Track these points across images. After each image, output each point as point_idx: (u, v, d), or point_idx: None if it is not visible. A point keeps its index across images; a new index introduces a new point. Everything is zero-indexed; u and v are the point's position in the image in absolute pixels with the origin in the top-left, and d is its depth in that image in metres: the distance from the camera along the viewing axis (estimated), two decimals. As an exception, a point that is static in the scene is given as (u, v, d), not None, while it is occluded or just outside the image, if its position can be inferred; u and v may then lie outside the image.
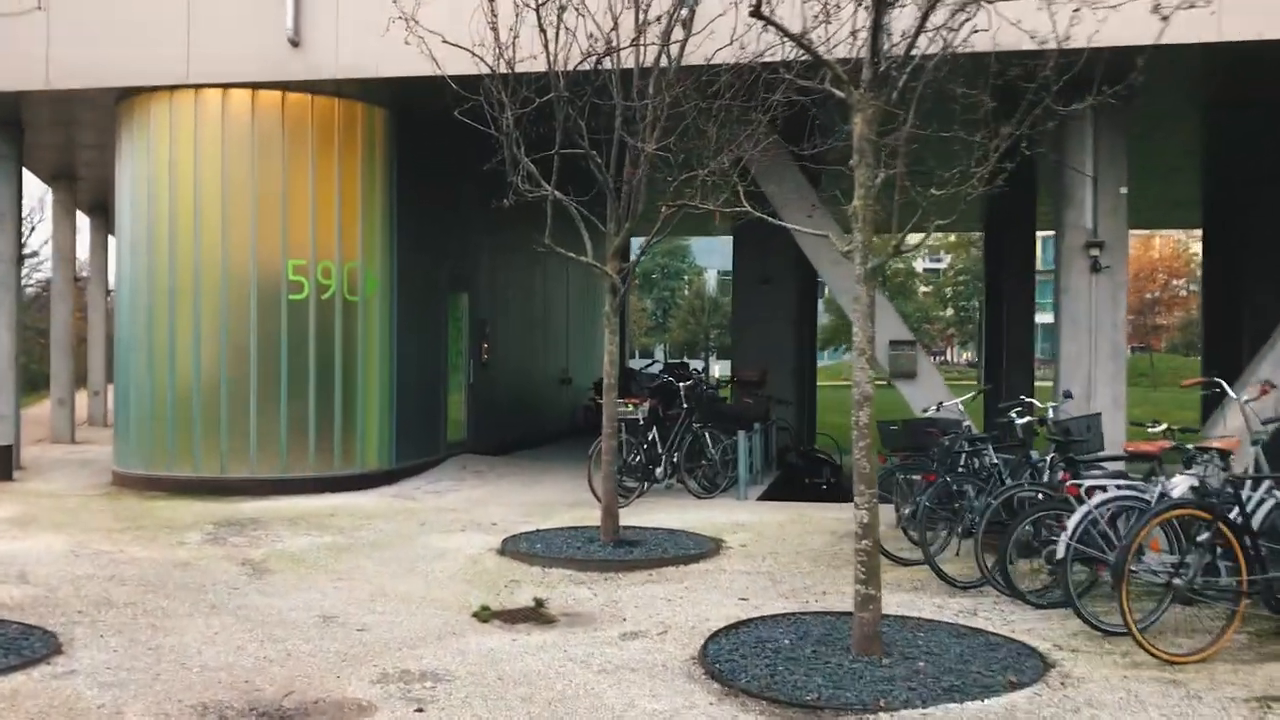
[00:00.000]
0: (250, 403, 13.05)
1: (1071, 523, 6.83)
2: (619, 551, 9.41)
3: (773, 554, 9.58)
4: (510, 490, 13.59)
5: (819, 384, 24.70)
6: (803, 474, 16.29)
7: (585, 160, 9.60)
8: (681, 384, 13.03)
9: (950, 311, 63.12)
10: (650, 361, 19.99)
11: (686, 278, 64.33)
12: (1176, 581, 6.38)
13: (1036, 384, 23.35)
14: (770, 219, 8.03)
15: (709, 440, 13.06)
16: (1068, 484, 7.44)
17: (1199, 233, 72.41)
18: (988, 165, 6.28)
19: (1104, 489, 7.14)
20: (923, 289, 63.28)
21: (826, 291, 40.05)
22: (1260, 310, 19.51)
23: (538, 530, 10.52)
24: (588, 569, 8.95)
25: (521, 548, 9.59)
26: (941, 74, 6.43)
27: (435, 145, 15.28)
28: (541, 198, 9.75)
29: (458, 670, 6.12)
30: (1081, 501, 7.01)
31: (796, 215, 13.06)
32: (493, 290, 17.77)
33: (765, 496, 13.57)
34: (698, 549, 9.60)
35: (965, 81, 6.59)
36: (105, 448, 14.16)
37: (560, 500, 12.74)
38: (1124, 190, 11.90)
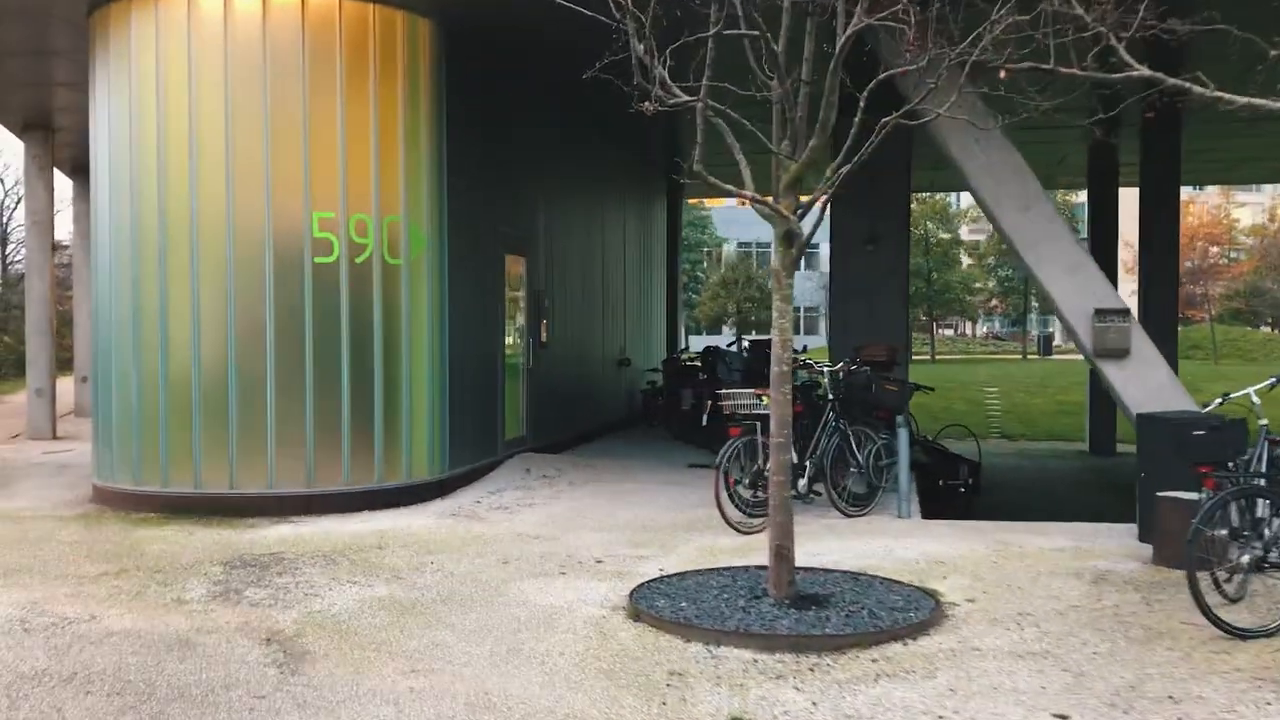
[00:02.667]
0: (267, 397, 10.14)
1: None
2: (806, 616, 6.53)
3: (1024, 616, 6.69)
4: (597, 505, 10.69)
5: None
6: (935, 475, 13.39)
7: (740, 52, 6.70)
8: (827, 367, 10.06)
9: (993, 283, 60.05)
10: (734, 339, 17.00)
11: (708, 249, 61.13)
12: None
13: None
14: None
15: (857, 441, 10.13)
16: None
17: (1243, 196, 68.88)
18: None
19: None
20: (965, 260, 60.22)
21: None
22: None
23: (666, 575, 7.62)
24: (775, 648, 6.06)
25: (661, 608, 6.69)
26: None
27: (488, 69, 12.32)
28: (682, 108, 6.82)
29: None
30: None
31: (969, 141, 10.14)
32: (550, 255, 14.83)
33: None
34: (914, 609, 6.71)
35: None
36: (89, 446, 11.33)
37: (668, 520, 9.86)
38: None
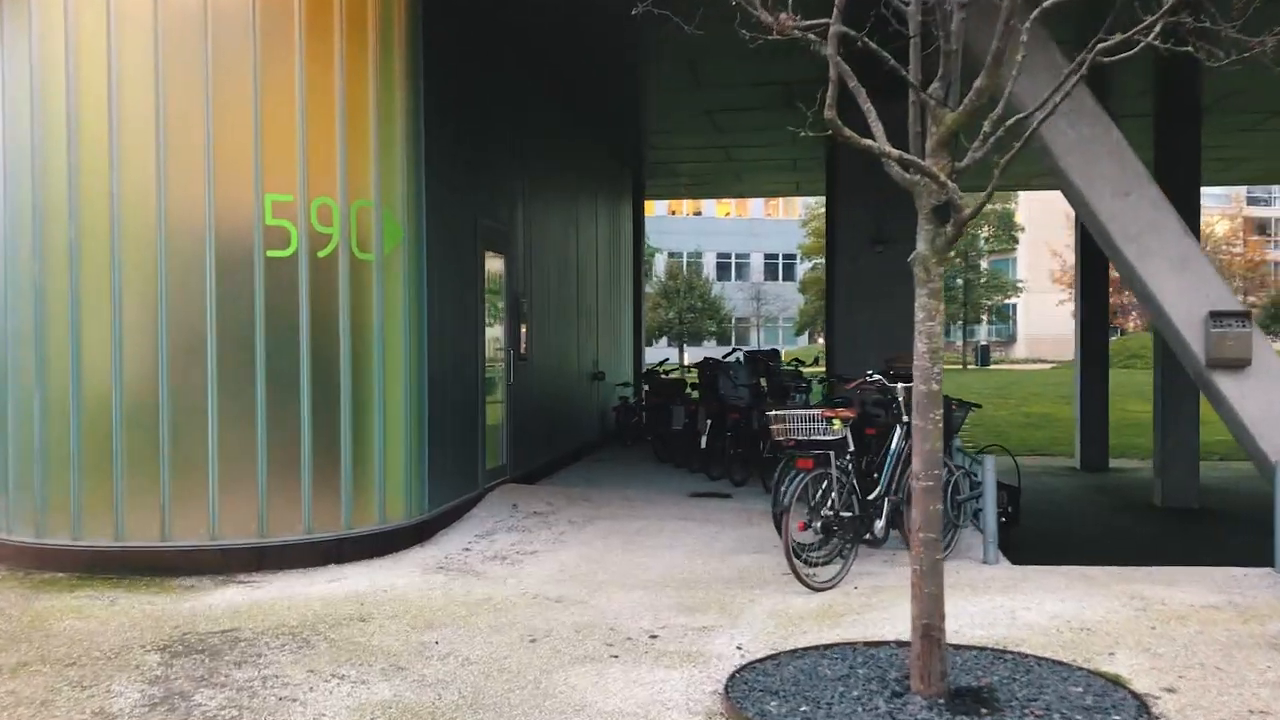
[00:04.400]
0: (208, 425, 8.14)
1: None
2: (981, 727, 4.79)
3: (1260, 716, 5.02)
4: (612, 551, 8.85)
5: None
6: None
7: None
8: (900, 383, 8.32)
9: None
10: (731, 350, 15.28)
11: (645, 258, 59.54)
12: None
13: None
14: None
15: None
16: None
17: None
18: None
19: None
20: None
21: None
22: None
23: (755, 659, 5.83)
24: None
25: (777, 716, 4.89)
26: None
27: (466, 36, 10.47)
28: (799, 41, 5.09)
29: None
30: None
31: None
32: (529, 254, 12.96)
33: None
34: (1112, 710, 5.00)
35: None
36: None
37: (709, 571, 8.07)
38: None
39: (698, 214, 68.53)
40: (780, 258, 69.80)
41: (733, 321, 60.99)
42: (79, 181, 8.13)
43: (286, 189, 8.25)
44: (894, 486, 8.07)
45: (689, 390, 14.63)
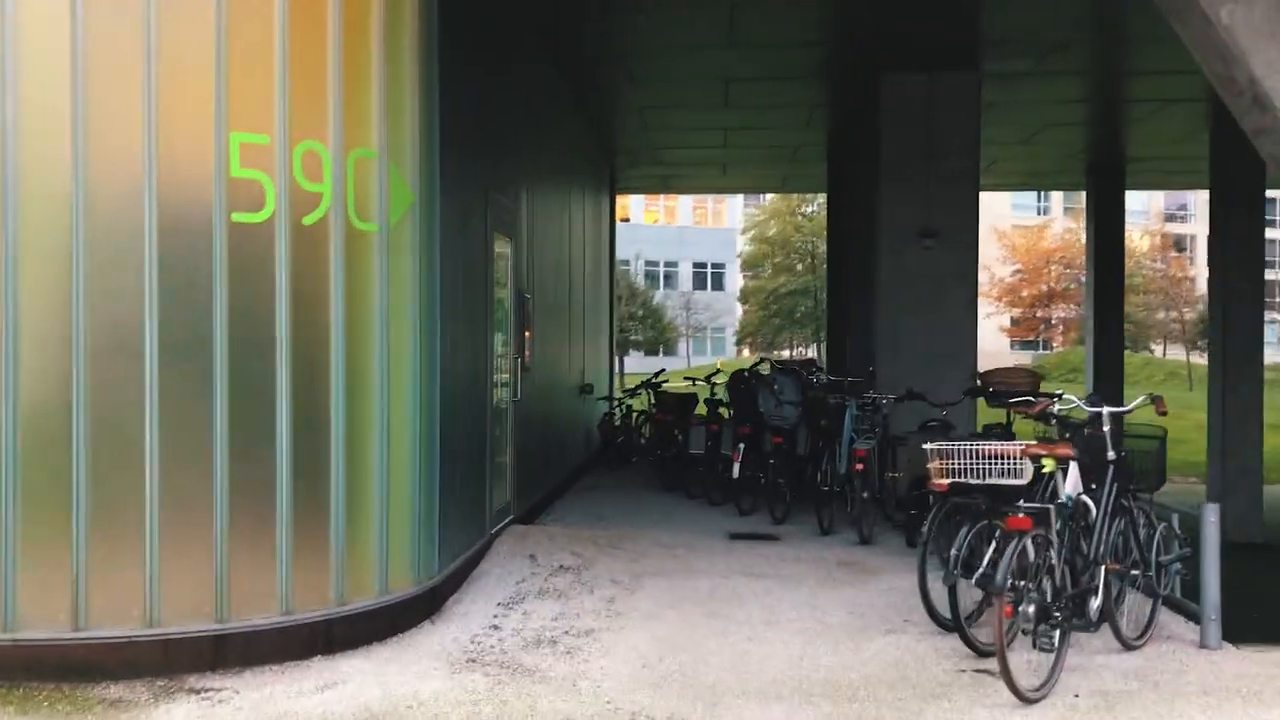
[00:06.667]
0: (145, 460, 5.67)
1: None
2: None
3: None
4: (695, 629, 6.57)
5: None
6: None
7: None
8: (1107, 408, 6.11)
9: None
10: (760, 359, 13.08)
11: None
12: None
13: None
14: None
15: (1142, 527, 6.31)
16: None
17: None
18: None
19: None
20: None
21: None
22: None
23: None
24: None
25: None
26: None
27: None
28: None
29: None
30: None
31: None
32: (532, 243, 10.62)
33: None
34: None
35: None
36: None
37: (854, 665, 5.87)
38: None
39: (625, 220, 66.37)
40: (709, 266, 68.02)
41: (669, 332, 58.83)
42: (-45, 108, 5.63)
43: (260, 127, 5.84)
44: (1102, 550, 5.92)
45: (704, 407, 12.41)
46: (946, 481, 6.16)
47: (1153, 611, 6.40)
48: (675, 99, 13.77)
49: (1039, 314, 64.29)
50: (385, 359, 6.35)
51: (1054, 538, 5.36)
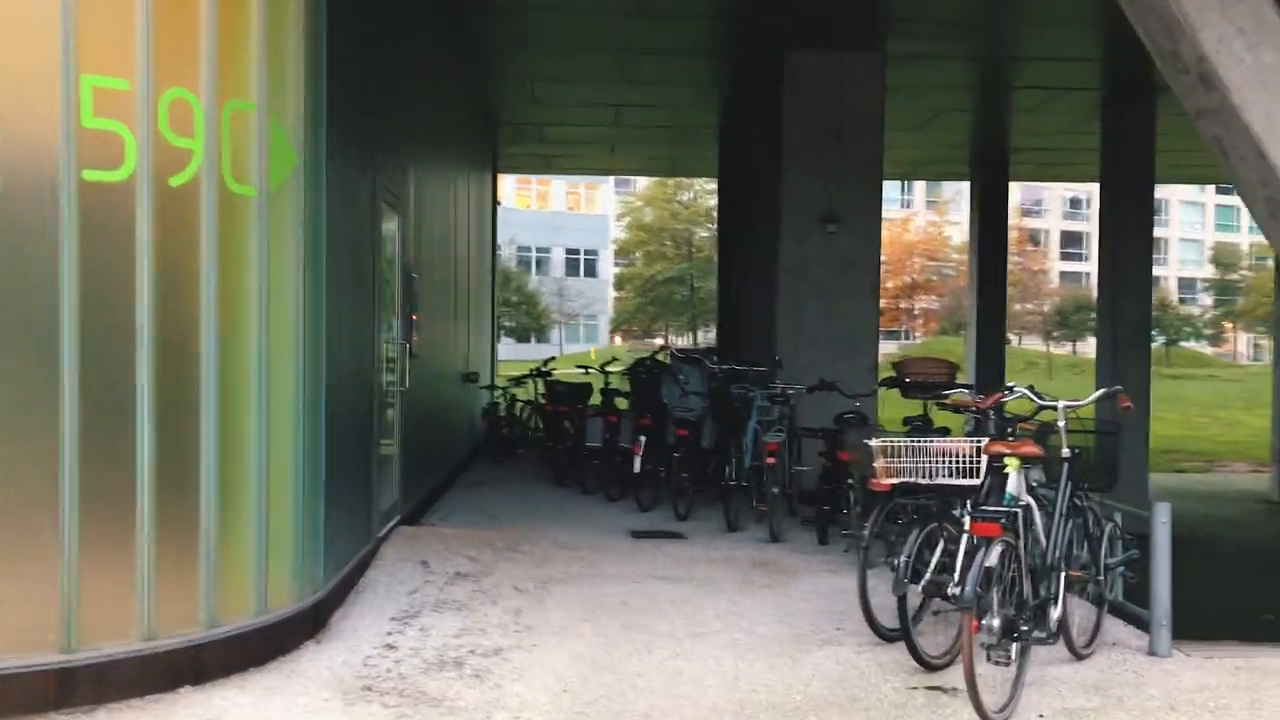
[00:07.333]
0: (-29, 463, 4.76)
1: None
2: None
3: None
4: (615, 645, 5.94)
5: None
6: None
7: None
8: (1062, 402, 5.63)
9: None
10: (659, 349, 12.46)
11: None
12: None
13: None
14: None
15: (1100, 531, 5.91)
16: None
17: (956, 215, 71.04)
18: None
19: None
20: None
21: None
22: None
23: None
24: None
25: None
26: None
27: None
28: None
29: None
30: None
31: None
32: (419, 221, 9.81)
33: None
34: None
35: None
36: None
37: (797, 685, 5.34)
38: None
39: (498, 203, 65.29)
40: (583, 253, 67.33)
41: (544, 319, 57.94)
42: None
43: (119, 70, 4.95)
44: (1057, 554, 5.49)
45: (601, 397, 11.77)
46: (890, 481, 5.67)
47: (1099, 617, 6.04)
48: (569, 71, 13.08)
49: (902, 305, 65.71)
50: (265, 344, 5.53)
51: (1019, 544, 4.90)
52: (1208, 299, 73.82)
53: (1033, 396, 5.69)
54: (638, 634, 6.12)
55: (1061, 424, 5.59)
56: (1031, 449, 5.07)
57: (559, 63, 12.79)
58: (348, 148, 6.73)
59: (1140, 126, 14.26)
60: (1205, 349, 71.35)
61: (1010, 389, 5.76)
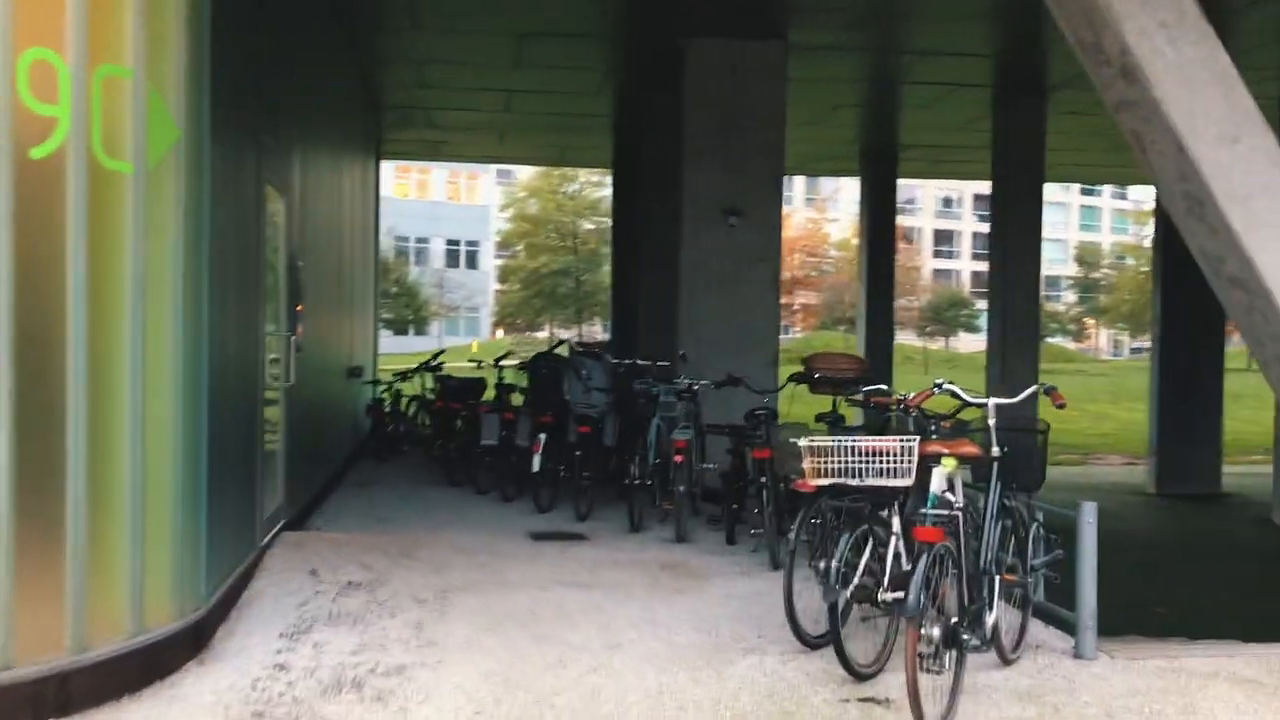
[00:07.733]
0: None
1: None
2: None
3: None
4: (527, 660, 5.56)
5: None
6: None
7: None
8: (989, 401, 5.45)
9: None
10: (557, 343, 12.06)
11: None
12: None
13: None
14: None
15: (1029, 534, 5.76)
16: None
17: (836, 215, 72.44)
18: None
19: None
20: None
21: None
22: None
23: None
24: None
25: None
26: None
27: None
28: None
29: None
30: None
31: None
32: (304, 205, 9.23)
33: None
34: None
35: None
36: None
37: (723, 700, 5.03)
38: None
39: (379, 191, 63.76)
40: (463, 244, 66.27)
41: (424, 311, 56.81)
42: None
43: (-31, 24, 4.38)
44: (989, 556, 5.31)
45: (495, 393, 11.33)
46: (816, 482, 5.41)
47: (1024, 620, 5.90)
48: (461, 54, 12.57)
49: (782, 300, 66.60)
50: (140, 337, 4.99)
51: (959, 566, 4.69)
52: (1071, 296, 76.48)
53: (960, 393, 5.50)
54: (550, 647, 5.75)
55: (991, 422, 5.40)
56: (970, 449, 4.87)
57: (451, 45, 12.27)
58: (231, 124, 6.19)
59: (1033, 124, 14.41)
60: (1069, 344, 73.98)
61: (938, 385, 5.57)
